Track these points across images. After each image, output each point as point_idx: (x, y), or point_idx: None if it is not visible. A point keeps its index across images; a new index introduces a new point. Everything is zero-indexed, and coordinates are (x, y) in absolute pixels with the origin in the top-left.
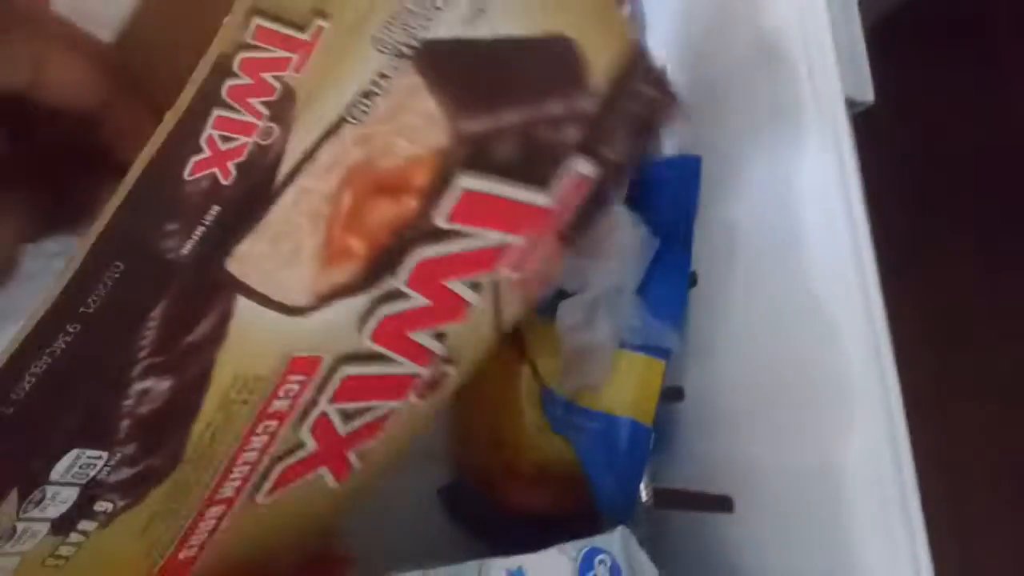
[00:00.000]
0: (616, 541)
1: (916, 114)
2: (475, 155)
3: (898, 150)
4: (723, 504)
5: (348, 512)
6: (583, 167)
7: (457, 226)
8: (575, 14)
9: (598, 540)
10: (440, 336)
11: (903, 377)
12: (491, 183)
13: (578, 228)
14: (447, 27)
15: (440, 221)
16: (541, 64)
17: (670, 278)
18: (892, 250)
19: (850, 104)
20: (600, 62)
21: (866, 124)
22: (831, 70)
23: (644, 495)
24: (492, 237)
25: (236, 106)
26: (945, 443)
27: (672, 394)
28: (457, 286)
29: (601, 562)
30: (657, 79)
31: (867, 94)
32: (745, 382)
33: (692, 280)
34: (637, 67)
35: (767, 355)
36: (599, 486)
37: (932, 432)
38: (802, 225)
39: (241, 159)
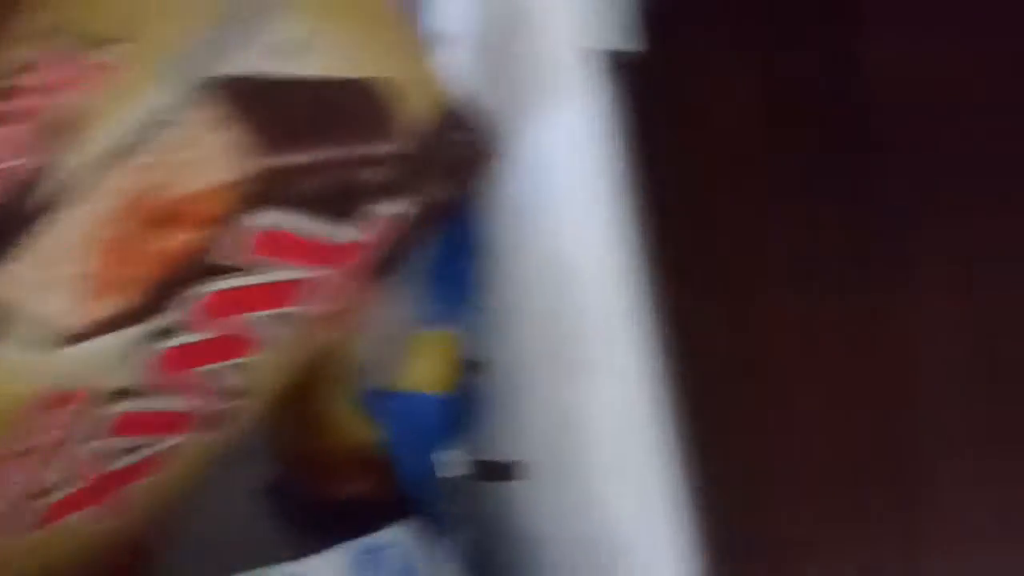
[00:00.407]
0: (405, 534)
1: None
2: (274, 190)
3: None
4: (507, 472)
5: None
6: (395, 207)
7: (252, 260)
8: (389, 59)
9: (385, 535)
10: (227, 370)
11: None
12: (291, 219)
13: (392, 263)
14: (253, 62)
15: (231, 255)
16: (352, 105)
17: (457, 248)
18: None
19: (610, 54)
20: (414, 107)
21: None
22: (572, 19)
23: (457, 470)
24: (290, 272)
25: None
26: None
27: (475, 367)
28: (250, 320)
29: (387, 558)
30: (473, 126)
31: (630, 42)
32: (528, 348)
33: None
34: (453, 115)
35: (539, 319)
36: (405, 466)
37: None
38: (556, 187)
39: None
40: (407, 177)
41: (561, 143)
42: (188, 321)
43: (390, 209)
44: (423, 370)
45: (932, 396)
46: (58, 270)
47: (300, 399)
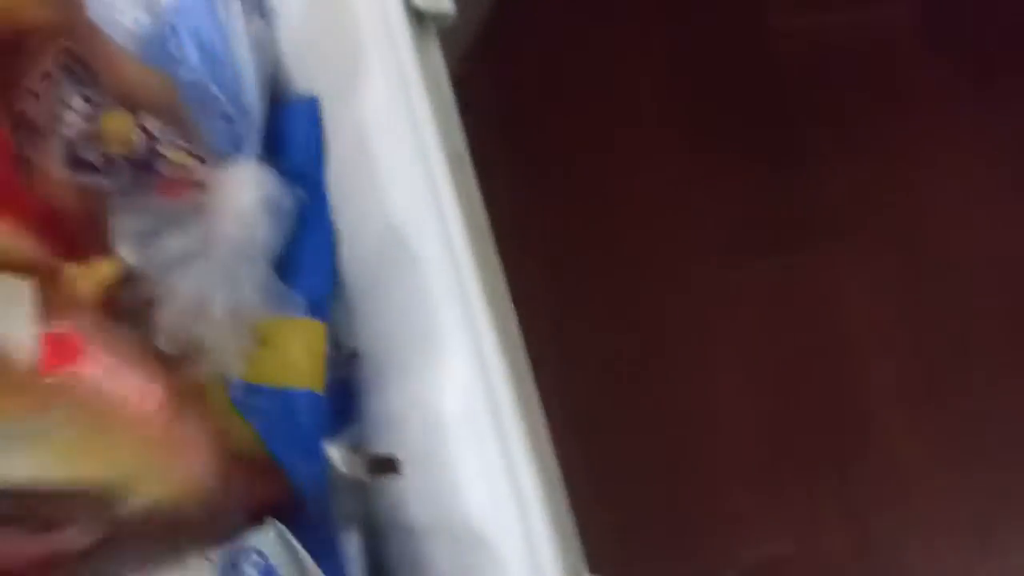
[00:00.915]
0: (271, 538)
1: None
2: None
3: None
4: (392, 465)
5: None
6: None
7: None
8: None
9: (250, 540)
10: None
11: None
12: None
13: None
14: None
15: None
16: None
17: (314, 228)
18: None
19: (423, 15)
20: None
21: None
22: None
23: (344, 466)
24: None
25: None
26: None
27: (350, 355)
28: None
29: (252, 564)
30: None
31: (441, 4)
32: (381, 333)
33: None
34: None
35: (386, 302)
36: (288, 466)
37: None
38: (378, 158)
39: None
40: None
41: (378, 111)
42: None
43: None
44: (291, 363)
45: (864, 351)
46: None
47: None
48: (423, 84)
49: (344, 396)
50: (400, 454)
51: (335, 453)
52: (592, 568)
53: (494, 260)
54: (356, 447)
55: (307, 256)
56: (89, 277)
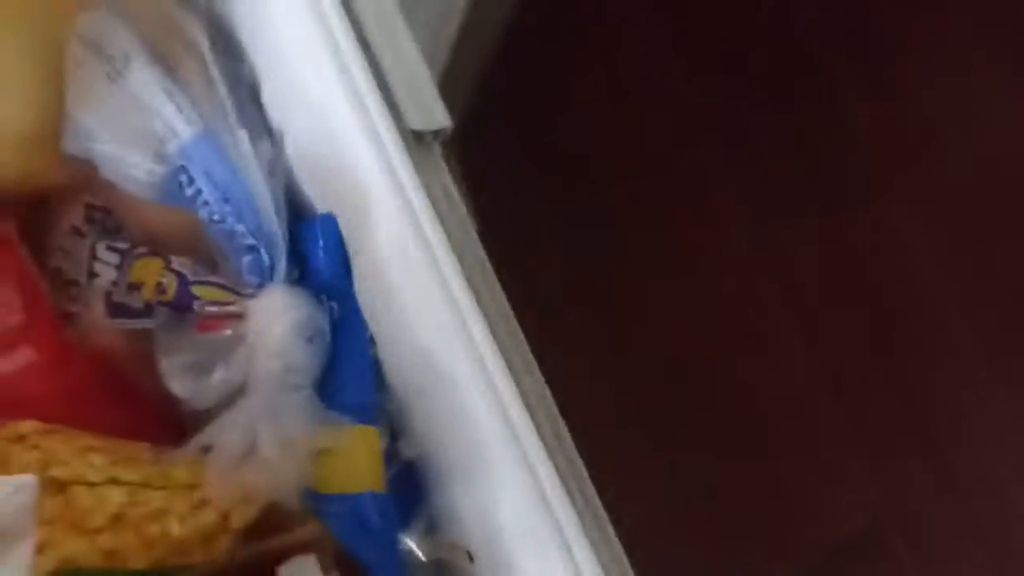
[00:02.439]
0: None
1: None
2: None
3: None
4: (467, 556)
5: None
6: None
7: None
8: None
9: None
10: None
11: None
12: None
13: None
14: None
15: None
16: None
17: (351, 338)
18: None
19: (422, 135)
20: None
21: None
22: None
23: (422, 553)
24: None
25: None
26: None
27: (401, 457)
28: None
29: None
30: None
31: (437, 121)
32: (433, 437)
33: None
34: None
35: (431, 411)
36: (367, 563)
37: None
38: (396, 288)
39: None
40: None
41: (388, 230)
42: None
43: None
44: (352, 468)
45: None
46: None
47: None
48: (431, 211)
49: (410, 489)
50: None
51: (411, 542)
52: None
53: (529, 360)
54: (430, 532)
55: (347, 366)
56: None
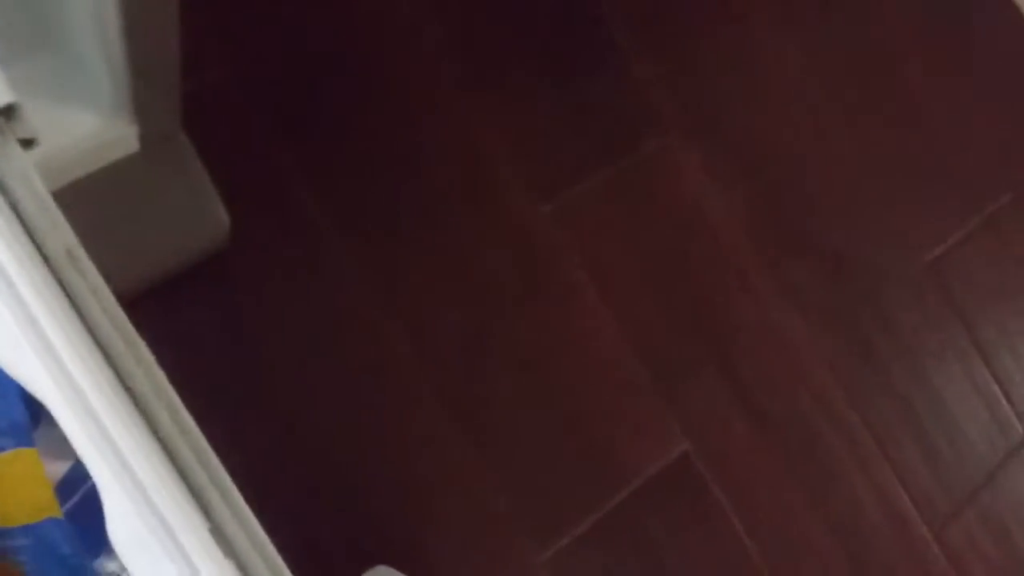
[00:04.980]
0: None
1: None
2: None
3: None
4: None
5: None
6: None
7: None
8: None
9: None
10: None
11: None
12: None
13: None
14: None
15: None
16: None
17: None
18: None
19: None
20: None
21: None
22: None
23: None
24: None
25: None
26: None
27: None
28: None
29: None
30: None
31: None
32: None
33: None
34: None
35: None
36: None
37: None
38: None
39: None
40: None
41: None
42: None
43: None
44: (20, 498)
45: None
46: None
47: None
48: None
49: (81, 513)
50: None
51: (112, 565)
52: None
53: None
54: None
55: None
56: None
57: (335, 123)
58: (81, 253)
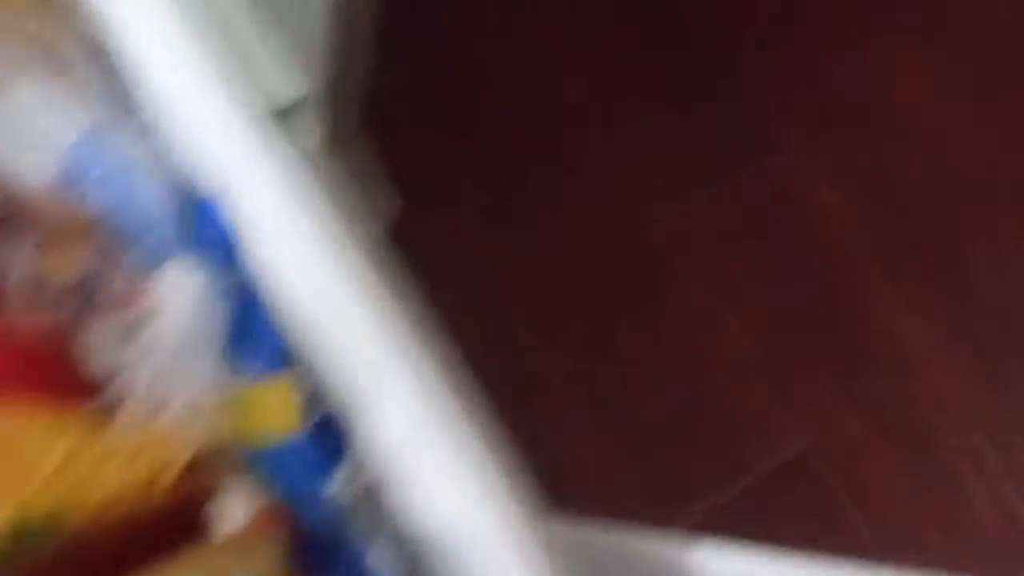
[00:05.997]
0: None
1: None
2: None
3: None
4: None
5: None
6: None
7: None
8: None
9: None
10: None
11: None
12: None
13: None
14: None
15: None
16: None
17: (250, 302)
18: None
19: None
20: None
21: None
22: None
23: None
24: None
25: None
26: None
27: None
28: None
29: None
30: None
31: (286, 95)
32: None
33: None
34: None
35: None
36: (295, 507)
37: None
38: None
39: None
40: None
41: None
42: None
43: None
44: (269, 418)
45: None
46: None
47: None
48: (291, 177)
49: (334, 433)
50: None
51: (337, 485)
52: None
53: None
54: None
55: (250, 325)
56: None
57: (488, 130)
58: None
